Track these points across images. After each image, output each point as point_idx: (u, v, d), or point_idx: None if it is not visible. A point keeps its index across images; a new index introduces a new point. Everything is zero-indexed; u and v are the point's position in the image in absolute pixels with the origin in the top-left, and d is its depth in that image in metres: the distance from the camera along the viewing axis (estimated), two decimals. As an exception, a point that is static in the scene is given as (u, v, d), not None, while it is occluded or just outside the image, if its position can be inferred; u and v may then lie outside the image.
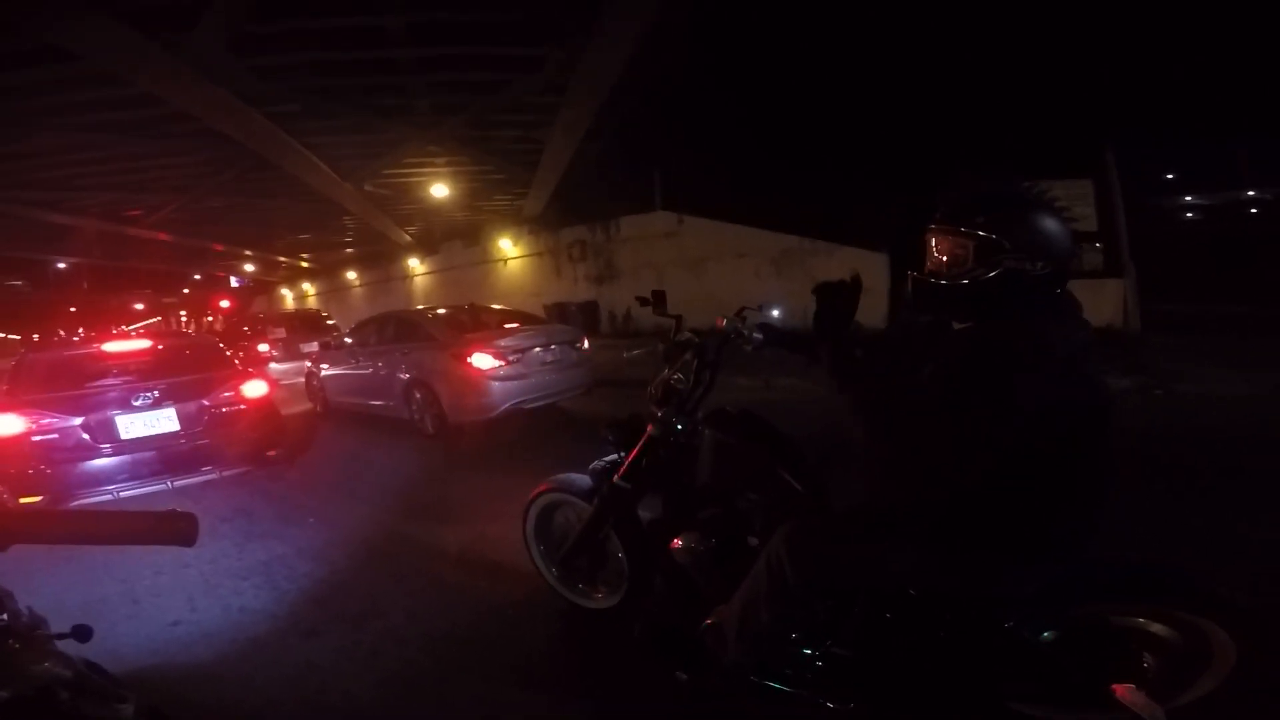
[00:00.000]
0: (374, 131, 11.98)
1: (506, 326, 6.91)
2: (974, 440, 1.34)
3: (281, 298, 35.05)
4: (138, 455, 4.44)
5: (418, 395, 6.58)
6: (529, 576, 2.88)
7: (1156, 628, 1.54)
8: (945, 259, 1.50)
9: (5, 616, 0.75)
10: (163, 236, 19.27)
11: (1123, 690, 1.46)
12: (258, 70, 8.63)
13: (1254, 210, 20.30)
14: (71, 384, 4.57)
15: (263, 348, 11.59)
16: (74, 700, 0.75)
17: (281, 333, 12.07)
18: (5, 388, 4.62)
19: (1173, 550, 1.76)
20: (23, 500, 4.04)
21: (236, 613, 3.05)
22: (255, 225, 20.20)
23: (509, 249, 19.91)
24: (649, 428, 2.24)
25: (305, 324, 13.22)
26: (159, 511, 0.73)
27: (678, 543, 2.10)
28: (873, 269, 10.41)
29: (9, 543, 0.66)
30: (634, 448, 2.28)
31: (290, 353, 11.24)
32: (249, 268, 30.08)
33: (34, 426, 4.18)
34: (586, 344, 7.24)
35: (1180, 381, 6.15)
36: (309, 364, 8.78)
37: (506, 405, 6.13)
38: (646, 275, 14.96)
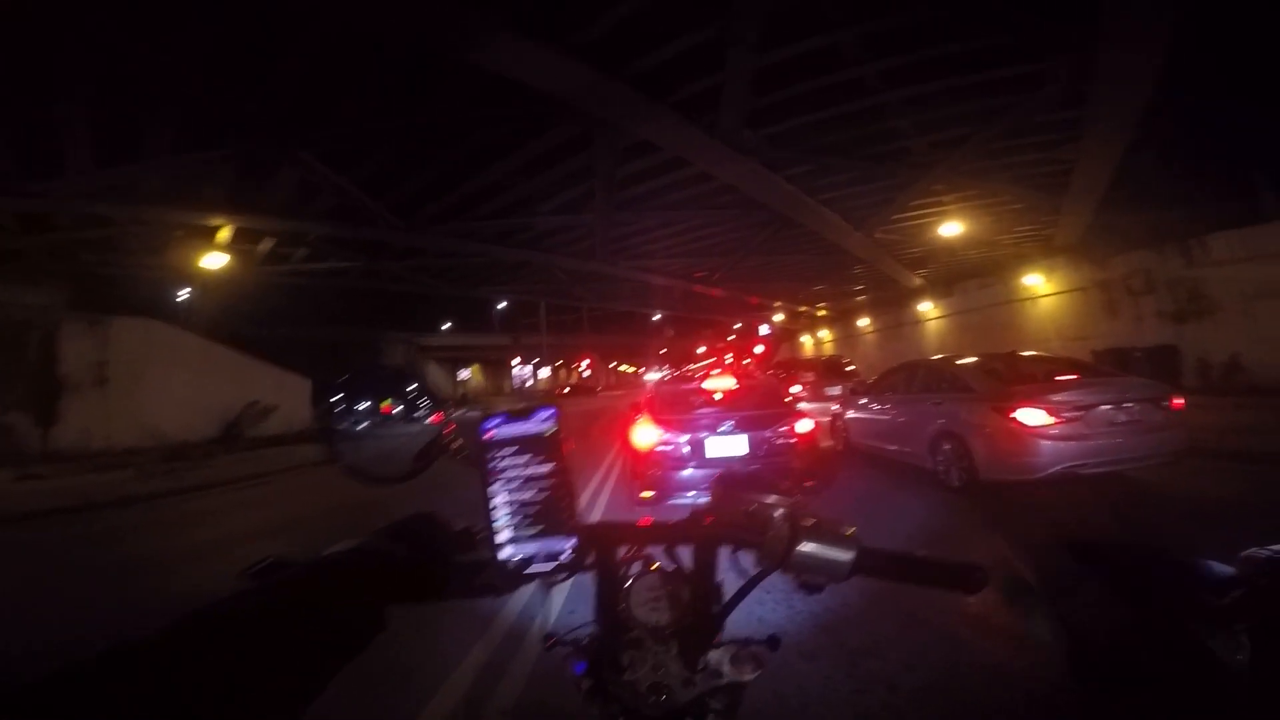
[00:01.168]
0: (875, 180, 12.34)
1: (1060, 379, 6.11)
2: None
3: (802, 344, 38.98)
4: (714, 471, 5.32)
5: (946, 446, 6.37)
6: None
7: None
8: None
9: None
10: (714, 292, 24.18)
11: None
12: (770, 138, 9.87)
13: None
14: (684, 410, 5.98)
15: (795, 389, 13.33)
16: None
17: (810, 376, 13.72)
18: (647, 408, 6.18)
19: None
20: (642, 495, 5.52)
21: (755, 622, 3.24)
22: (781, 279, 23.22)
23: (1038, 285, 17.55)
24: None
25: (829, 369, 14.74)
26: (956, 561, 0.77)
27: None
28: None
29: (851, 575, 0.73)
30: None
31: (817, 394, 12.64)
32: (777, 317, 34.89)
33: (662, 438, 5.62)
34: (1179, 402, 5.84)
35: None
36: (835, 406, 9.54)
37: (1057, 468, 5.40)
38: (1267, 308, 11.16)
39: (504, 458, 0.73)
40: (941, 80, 8.80)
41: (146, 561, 5.51)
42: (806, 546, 0.71)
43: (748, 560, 0.78)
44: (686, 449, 5.57)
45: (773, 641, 0.81)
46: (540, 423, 0.73)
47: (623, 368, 75.67)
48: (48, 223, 12.34)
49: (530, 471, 0.73)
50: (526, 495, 0.72)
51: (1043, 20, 7.19)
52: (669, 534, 0.82)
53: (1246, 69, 10.23)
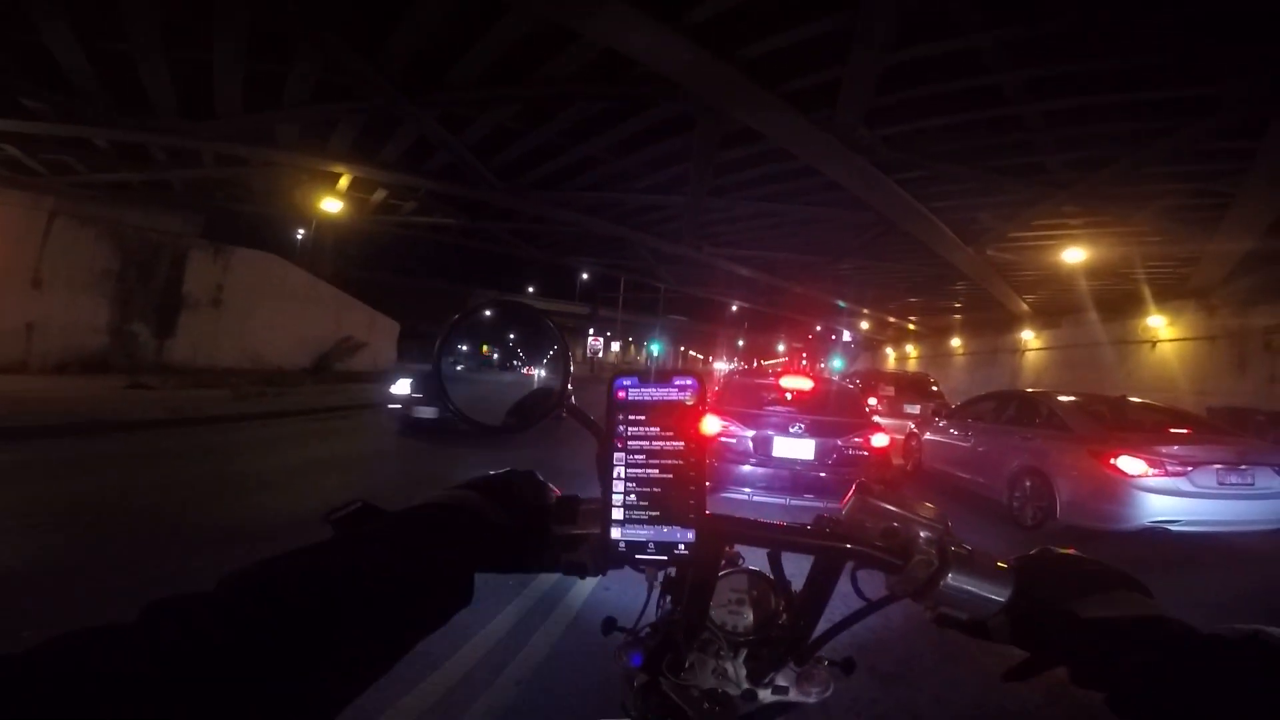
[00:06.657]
0: (1000, 193, 11.45)
1: (1172, 431, 5.74)
2: None
3: (885, 356, 37.55)
4: (775, 471, 5.45)
5: (1026, 483, 6.14)
6: None
7: None
8: None
9: None
10: (800, 290, 23.47)
11: None
12: (887, 139, 9.38)
13: None
14: (752, 404, 5.94)
15: (871, 401, 12.85)
16: None
17: (890, 391, 13.14)
18: (715, 396, 6.21)
19: None
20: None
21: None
22: (875, 286, 22.27)
23: (1160, 328, 16.02)
24: None
25: (911, 386, 14.03)
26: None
27: None
28: None
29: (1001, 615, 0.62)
30: None
31: (895, 410, 12.10)
32: (863, 325, 33.54)
33: (725, 429, 5.58)
34: None
35: None
36: (912, 425, 9.30)
37: (1145, 521, 5.08)
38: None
39: (632, 425, 0.62)
40: (1091, 96, 7.91)
41: (217, 483, 5.94)
42: (954, 579, 0.61)
43: (872, 582, 0.67)
44: (750, 445, 5.53)
45: (848, 664, 0.73)
46: (680, 390, 0.62)
47: (691, 353, 75.48)
48: (194, 159, 13.46)
49: (660, 446, 0.61)
50: (652, 472, 0.61)
51: (1219, 43, 6.38)
52: (796, 539, 0.70)
53: None
